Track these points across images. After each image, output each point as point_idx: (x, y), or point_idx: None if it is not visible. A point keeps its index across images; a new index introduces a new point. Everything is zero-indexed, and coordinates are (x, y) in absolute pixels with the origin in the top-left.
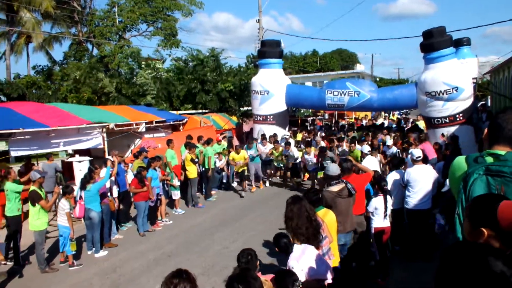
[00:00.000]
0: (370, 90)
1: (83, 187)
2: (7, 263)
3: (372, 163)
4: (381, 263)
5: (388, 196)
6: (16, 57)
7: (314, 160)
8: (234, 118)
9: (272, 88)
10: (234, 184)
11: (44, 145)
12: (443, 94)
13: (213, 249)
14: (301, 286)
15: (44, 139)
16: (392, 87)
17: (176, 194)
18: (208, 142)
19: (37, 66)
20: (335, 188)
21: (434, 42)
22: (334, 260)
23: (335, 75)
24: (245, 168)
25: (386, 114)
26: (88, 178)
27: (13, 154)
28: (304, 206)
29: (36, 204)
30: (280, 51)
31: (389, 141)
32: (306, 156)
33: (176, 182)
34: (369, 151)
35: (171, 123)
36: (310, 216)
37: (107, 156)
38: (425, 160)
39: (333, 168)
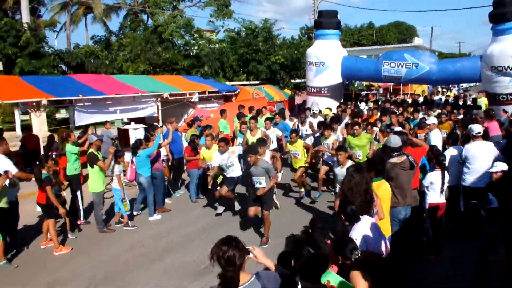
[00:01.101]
0: (429, 62)
1: (134, 152)
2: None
3: (437, 137)
4: (434, 239)
5: (445, 172)
6: (73, 28)
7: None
8: (287, 90)
9: (327, 59)
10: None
11: (101, 113)
12: (511, 69)
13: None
14: (359, 255)
15: (101, 107)
16: (453, 59)
17: None
18: (258, 113)
19: (95, 36)
20: (396, 160)
21: (506, 12)
22: None
23: (391, 49)
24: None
25: (445, 90)
26: (138, 144)
27: (78, 123)
28: (365, 178)
29: (94, 166)
30: (337, 22)
31: (398, 128)
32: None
33: None
34: (433, 124)
35: (224, 93)
36: (368, 189)
37: (159, 124)
38: (485, 137)
39: (395, 140)
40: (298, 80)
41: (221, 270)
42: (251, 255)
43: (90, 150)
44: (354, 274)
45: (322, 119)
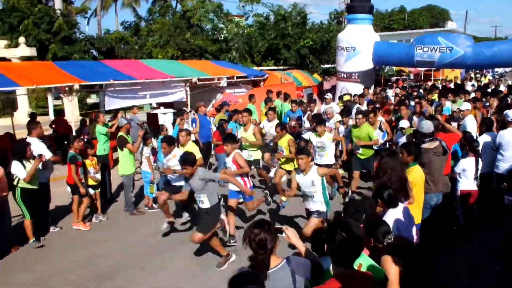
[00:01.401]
0: (464, 45)
1: (156, 138)
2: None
3: (472, 123)
4: (466, 228)
5: (479, 158)
6: (103, 13)
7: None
8: (316, 76)
9: (359, 44)
10: None
11: (131, 98)
12: None
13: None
14: (392, 239)
15: (131, 92)
16: (490, 42)
17: None
18: (286, 97)
19: (125, 22)
20: (428, 145)
21: None
22: None
23: (423, 33)
24: None
25: (479, 76)
26: (160, 130)
27: (108, 107)
28: (400, 162)
29: (124, 148)
30: (370, 6)
31: (405, 123)
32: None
33: None
34: (467, 110)
35: (252, 78)
36: (402, 173)
37: (188, 109)
38: None
39: (427, 125)
40: (327, 65)
41: (252, 253)
42: (283, 234)
43: (120, 133)
44: (385, 259)
45: (333, 106)
